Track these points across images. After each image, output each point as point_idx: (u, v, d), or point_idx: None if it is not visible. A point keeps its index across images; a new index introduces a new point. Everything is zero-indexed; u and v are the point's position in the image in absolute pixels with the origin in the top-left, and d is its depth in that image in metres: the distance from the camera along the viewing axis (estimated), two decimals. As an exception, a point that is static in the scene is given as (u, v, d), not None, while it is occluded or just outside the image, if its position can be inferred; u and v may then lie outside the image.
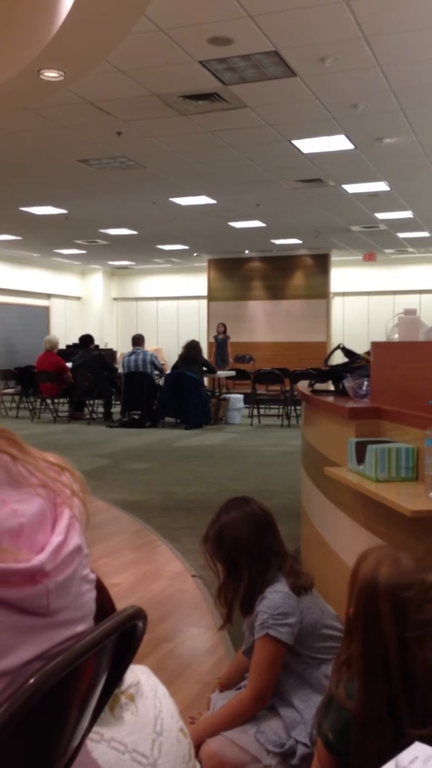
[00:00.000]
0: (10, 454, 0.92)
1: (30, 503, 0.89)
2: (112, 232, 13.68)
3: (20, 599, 0.82)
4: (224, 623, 2.21)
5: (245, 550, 2.08)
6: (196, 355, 11.29)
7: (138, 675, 1.41)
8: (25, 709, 0.79)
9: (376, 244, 15.13)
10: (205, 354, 12.56)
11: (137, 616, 0.99)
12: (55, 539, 0.88)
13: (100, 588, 1.02)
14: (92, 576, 0.95)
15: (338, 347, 3.81)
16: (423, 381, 2.56)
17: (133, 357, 11.30)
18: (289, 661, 2.04)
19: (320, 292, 16.20)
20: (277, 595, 2.02)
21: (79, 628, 0.90)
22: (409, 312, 2.93)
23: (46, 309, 18.78)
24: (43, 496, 0.91)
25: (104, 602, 1.09)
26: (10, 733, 0.79)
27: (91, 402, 11.89)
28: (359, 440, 2.49)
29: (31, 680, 0.81)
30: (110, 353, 15.29)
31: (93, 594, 0.94)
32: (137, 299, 20.10)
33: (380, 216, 11.90)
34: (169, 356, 15.80)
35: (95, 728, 1.22)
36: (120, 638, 0.98)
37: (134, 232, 13.74)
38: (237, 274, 16.87)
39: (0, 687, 0.80)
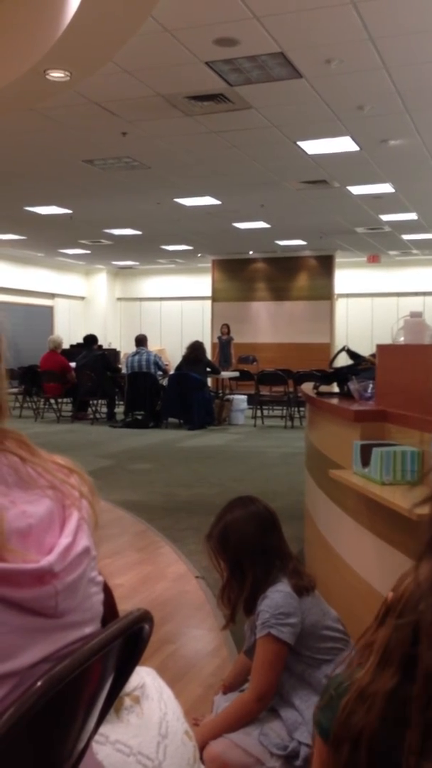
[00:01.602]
0: (19, 456, 0.92)
1: (39, 505, 0.89)
2: (117, 232, 13.69)
3: (28, 600, 0.82)
4: (227, 623, 2.20)
5: (250, 551, 2.08)
6: (199, 355, 11.29)
7: (143, 677, 1.41)
8: (32, 711, 0.79)
9: (381, 246, 15.12)
10: (208, 355, 12.56)
11: (144, 618, 0.99)
12: (64, 541, 0.88)
13: (107, 591, 1.02)
14: (100, 578, 0.95)
15: (343, 349, 3.80)
16: (429, 384, 2.56)
17: (136, 357, 11.30)
18: (289, 662, 2.04)
19: (324, 293, 16.19)
20: (279, 594, 2.02)
21: (87, 629, 0.90)
22: (415, 315, 2.93)
23: (50, 309, 18.80)
24: (52, 498, 0.91)
25: (111, 606, 1.09)
26: (18, 735, 0.79)
27: (95, 402, 11.90)
28: (364, 443, 2.48)
29: (39, 683, 0.80)
30: (114, 353, 15.29)
31: (101, 596, 0.94)
32: (141, 299, 20.11)
33: (385, 218, 11.89)
34: (173, 357, 15.79)
35: (100, 730, 1.22)
36: (126, 640, 0.98)
37: (138, 233, 13.75)
38: (241, 275, 16.86)
39: (8, 688, 0.79)
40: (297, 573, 2.09)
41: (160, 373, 11.32)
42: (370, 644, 1.46)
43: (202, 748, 1.95)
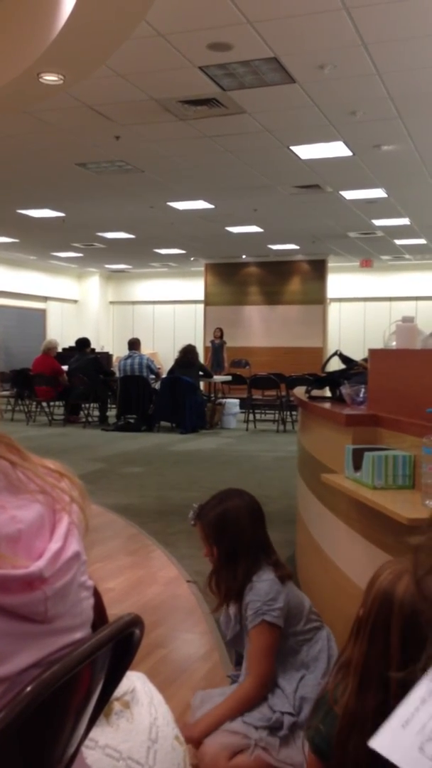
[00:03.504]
0: (9, 460, 0.92)
1: (28, 509, 0.89)
2: (110, 235, 13.68)
3: (18, 606, 0.81)
4: (217, 607, 2.28)
5: (245, 541, 2.19)
6: (192, 359, 11.29)
7: (134, 682, 1.40)
8: (21, 717, 0.79)
9: (373, 251, 15.16)
10: (201, 358, 12.55)
11: (135, 623, 0.99)
12: (54, 546, 0.88)
13: (96, 595, 1.01)
14: (90, 583, 0.95)
15: (335, 353, 3.81)
16: (420, 388, 2.56)
17: (129, 361, 11.29)
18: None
19: (317, 297, 16.21)
20: (264, 583, 2.15)
21: (77, 635, 0.89)
22: (407, 319, 2.93)
23: (43, 312, 18.76)
24: (42, 503, 0.91)
25: (99, 610, 1.08)
26: (7, 741, 0.78)
27: (87, 405, 11.87)
28: (356, 447, 2.49)
29: (29, 688, 0.80)
30: (106, 357, 15.26)
31: (91, 601, 0.94)
32: (134, 303, 20.09)
33: (377, 223, 11.93)
34: (166, 360, 15.78)
35: (90, 735, 1.21)
36: (117, 645, 0.98)
37: (131, 236, 13.75)
38: (234, 278, 16.88)
39: (-3, 694, 0.79)
40: (278, 564, 2.24)
41: (152, 376, 11.31)
42: (347, 663, 1.48)
43: (199, 743, 2.02)
